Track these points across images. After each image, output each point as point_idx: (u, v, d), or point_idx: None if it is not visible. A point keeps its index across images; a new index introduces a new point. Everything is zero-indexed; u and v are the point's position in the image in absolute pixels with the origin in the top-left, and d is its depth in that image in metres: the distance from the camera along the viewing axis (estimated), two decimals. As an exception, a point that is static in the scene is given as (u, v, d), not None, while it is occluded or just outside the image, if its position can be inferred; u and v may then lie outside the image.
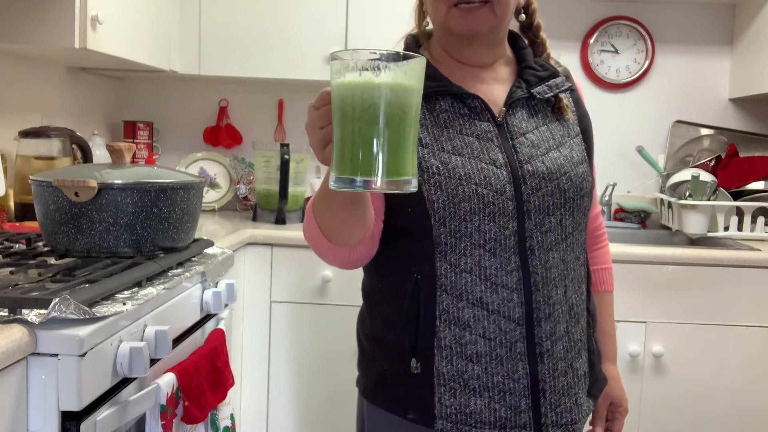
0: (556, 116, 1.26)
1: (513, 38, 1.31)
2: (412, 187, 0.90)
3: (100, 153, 2.49)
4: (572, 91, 1.29)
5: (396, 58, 0.86)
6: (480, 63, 1.25)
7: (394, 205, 1.21)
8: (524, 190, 1.18)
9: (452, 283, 1.18)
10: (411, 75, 0.87)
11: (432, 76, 1.16)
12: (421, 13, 1.32)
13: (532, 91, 1.23)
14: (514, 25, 1.32)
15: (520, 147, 1.20)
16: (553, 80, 1.25)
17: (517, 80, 1.25)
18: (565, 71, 1.31)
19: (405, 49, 1.26)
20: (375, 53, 0.85)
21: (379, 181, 0.87)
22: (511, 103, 1.22)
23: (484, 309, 1.18)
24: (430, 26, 1.32)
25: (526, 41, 1.31)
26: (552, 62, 1.30)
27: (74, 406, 1.10)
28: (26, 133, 2.09)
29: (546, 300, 1.19)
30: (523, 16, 1.31)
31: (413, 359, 1.20)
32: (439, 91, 1.20)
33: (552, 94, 1.24)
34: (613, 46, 2.93)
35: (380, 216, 1.22)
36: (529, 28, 1.31)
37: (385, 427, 1.26)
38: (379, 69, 0.85)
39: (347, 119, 0.87)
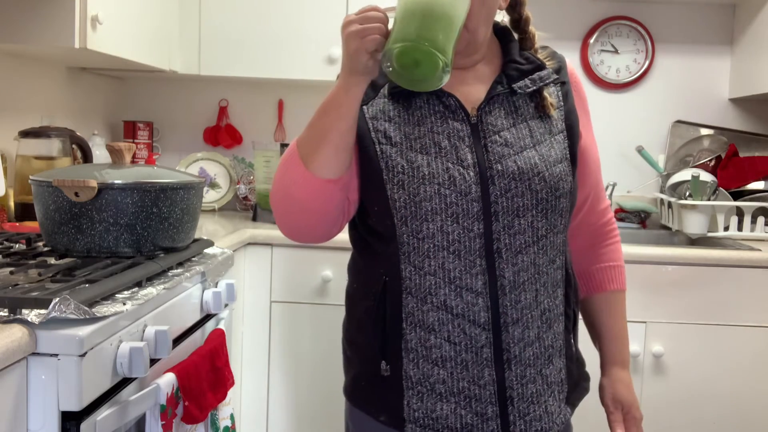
0: (539, 113, 1.21)
1: (503, 33, 1.27)
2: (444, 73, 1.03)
3: (100, 153, 2.49)
4: (563, 84, 1.24)
5: None
6: (459, 66, 1.21)
7: (364, 200, 1.21)
8: (492, 191, 1.15)
9: (417, 285, 1.16)
10: None
11: None
12: None
13: (513, 86, 1.19)
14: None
15: (491, 146, 1.17)
16: (537, 73, 1.20)
17: (499, 76, 1.21)
18: (557, 64, 1.26)
19: None
20: None
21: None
22: (489, 101, 1.19)
23: (448, 312, 1.16)
24: None
25: (517, 35, 1.27)
26: (543, 54, 1.25)
27: (74, 406, 1.10)
28: (26, 133, 2.09)
29: (514, 304, 1.16)
30: (511, 11, 1.28)
31: (383, 361, 1.20)
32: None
33: (534, 87, 1.20)
34: (613, 46, 2.93)
35: (354, 187, 1.20)
36: (518, 22, 1.27)
37: (362, 428, 1.27)
38: None
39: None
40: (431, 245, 1.15)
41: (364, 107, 1.21)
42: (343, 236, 2.46)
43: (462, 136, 1.17)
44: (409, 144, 1.17)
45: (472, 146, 1.16)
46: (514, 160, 1.16)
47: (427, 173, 1.14)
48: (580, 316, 1.36)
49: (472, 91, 1.21)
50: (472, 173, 1.15)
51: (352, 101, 1.12)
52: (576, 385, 1.29)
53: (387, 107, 1.20)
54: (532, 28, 1.26)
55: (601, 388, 1.36)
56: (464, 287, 1.15)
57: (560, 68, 1.25)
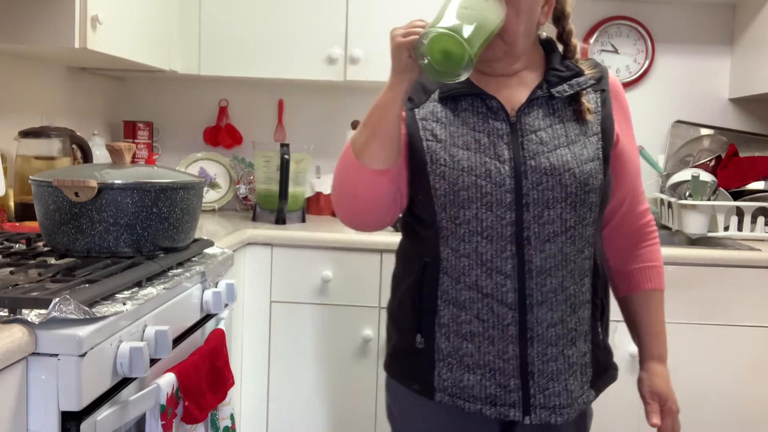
0: (576, 116, 1.32)
1: (547, 44, 1.39)
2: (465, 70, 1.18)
3: (100, 153, 2.49)
4: (602, 91, 1.35)
5: None
6: (503, 73, 1.34)
7: (411, 190, 1.34)
8: (525, 183, 1.26)
9: (452, 266, 1.29)
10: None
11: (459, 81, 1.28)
12: None
13: (551, 90, 1.31)
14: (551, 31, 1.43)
15: (527, 144, 1.28)
16: (575, 80, 1.32)
17: (541, 82, 1.33)
18: (599, 73, 1.36)
19: None
20: None
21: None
22: (529, 103, 1.31)
23: (479, 292, 1.28)
24: None
25: (561, 46, 1.39)
26: (586, 64, 1.37)
27: (74, 406, 1.10)
28: (26, 133, 2.09)
29: (539, 288, 1.27)
30: (555, 24, 1.40)
31: (418, 335, 1.33)
32: (462, 92, 1.32)
33: (571, 92, 1.31)
34: (613, 46, 2.93)
35: (404, 179, 1.33)
36: (561, 35, 1.40)
37: (397, 396, 1.41)
38: None
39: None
40: (467, 230, 1.27)
41: (416, 110, 1.34)
42: (343, 237, 2.45)
43: (501, 134, 1.29)
44: (453, 141, 1.30)
45: (509, 143, 1.28)
46: (547, 157, 1.27)
47: (466, 166, 1.27)
48: (613, 310, 1.45)
49: (515, 95, 1.33)
50: (507, 167, 1.27)
51: (396, 98, 1.25)
52: (603, 372, 1.38)
53: (436, 109, 1.34)
54: (574, 40, 1.38)
55: (640, 381, 1.46)
56: (495, 269, 1.27)
57: (601, 77, 1.36)
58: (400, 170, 1.31)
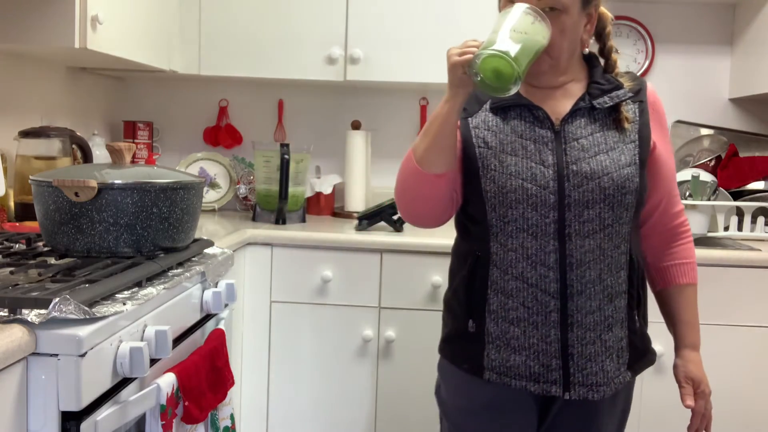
0: (616, 125, 1.45)
1: (590, 59, 1.52)
2: (514, 85, 1.30)
3: (100, 153, 2.49)
4: (641, 102, 1.48)
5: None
6: (550, 86, 1.47)
7: (465, 192, 1.49)
8: (567, 186, 1.40)
9: (501, 259, 1.44)
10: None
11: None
12: None
13: (593, 102, 1.44)
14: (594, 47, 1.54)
15: (570, 150, 1.42)
16: (615, 92, 1.45)
17: (584, 94, 1.46)
18: (638, 86, 1.49)
19: None
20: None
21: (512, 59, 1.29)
22: (573, 113, 1.44)
23: (524, 282, 1.43)
24: None
25: (603, 60, 1.53)
26: (626, 77, 1.50)
27: (74, 406, 1.10)
28: (26, 133, 2.09)
29: (579, 279, 1.41)
30: (598, 40, 1.54)
31: (470, 320, 1.48)
32: (511, 103, 1.46)
33: (611, 103, 1.44)
34: (613, 46, 2.93)
35: (459, 182, 1.48)
36: (602, 50, 1.53)
37: (448, 376, 1.56)
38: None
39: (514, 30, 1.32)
40: (514, 228, 1.42)
41: (470, 119, 1.49)
42: (344, 237, 2.46)
43: (546, 142, 1.43)
44: (502, 148, 1.44)
45: (554, 150, 1.42)
46: (588, 162, 1.41)
47: (513, 170, 1.42)
48: (649, 301, 1.57)
49: (560, 106, 1.47)
50: (551, 171, 1.41)
51: (453, 110, 1.38)
52: (641, 356, 1.52)
53: (488, 119, 1.48)
54: (614, 55, 1.52)
55: (675, 367, 1.59)
56: (539, 262, 1.42)
57: (640, 90, 1.49)
58: (455, 174, 1.45)
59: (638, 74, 2.91)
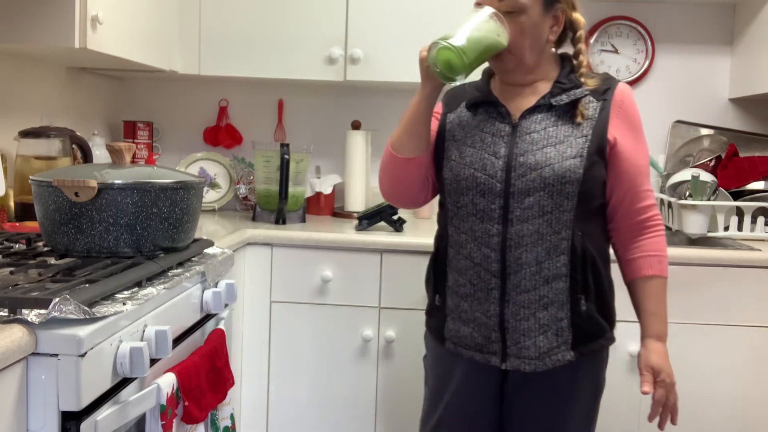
0: (572, 120, 1.54)
1: (563, 60, 1.63)
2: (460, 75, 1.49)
3: (100, 153, 2.49)
4: (605, 100, 1.56)
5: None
6: (519, 83, 1.60)
7: (437, 181, 1.65)
8: (513, 175, 1.52)
9: (455, 240, 1.60)
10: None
11: (480, 89, 1.64)
12: None
13: (551, 100, 1.55)
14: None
15: (521, 143, 1.54)
16: (573, 91, 1.55)
17: (548, 93, 1.56)
18: (605, 86, 1.57)
19: (482, 77, 1.69)
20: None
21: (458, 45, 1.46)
22: (532, 109, 1.56)
23: (471, 261, 1.57)
24: None
25: (575, 61, 1.62)
26: (595, 78, 1.58)
27: (74, 406, 1.10)
28: (26, 133, 2.09)
29: (516, 260, 1.53)
30: (572, 45, 1.62)
31: (437, 295, 1.66)
32: (480, 99, 1.61)
33: (568, 100, 1.54)
34: (613, 46, 2.93)
35: (431, 167, 1.64)
36: (575, 53, 1.62)
37: (429, 346, 1.74)
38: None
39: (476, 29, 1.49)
40: (465, 212, 1.57)
41: (449, 114, 1.65)
42: (343, 237, 2.45)
43: (502, 135, 1.56)
44: (465, 140, 1.59)
45: (508, 143, 1.55)
46: (534, 154, 1.52)
47: (468, 161, 1.57)
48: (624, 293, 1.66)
49: (525, 102, 1.59)
50: (501, 162, 1.53)
51: (422, 100, 1.56)
52: (590, 338, 1.58)
53: (462, 115, 1.64)
54: (581, 57, 1.61)
55: (638, 357, 1.64)
56: (483, 244, 1.55)
57: (607, 89, 1.58)
58: (428, 160, 1.62)
59: (638, 74, 2.93)
